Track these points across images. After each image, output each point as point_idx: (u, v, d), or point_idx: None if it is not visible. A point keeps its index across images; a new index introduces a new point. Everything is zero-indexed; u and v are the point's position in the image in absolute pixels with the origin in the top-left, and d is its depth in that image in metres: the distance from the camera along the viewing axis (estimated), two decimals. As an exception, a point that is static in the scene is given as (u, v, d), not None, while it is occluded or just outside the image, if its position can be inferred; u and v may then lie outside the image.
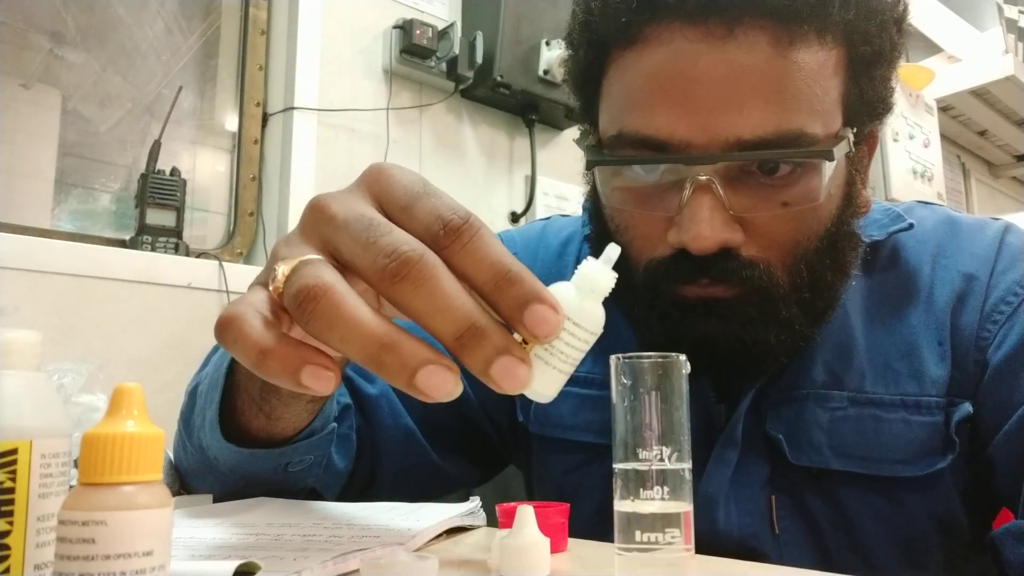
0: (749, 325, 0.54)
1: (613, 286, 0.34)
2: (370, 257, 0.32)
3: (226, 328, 0.33)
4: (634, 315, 0.58)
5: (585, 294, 0.34)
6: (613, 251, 0.35)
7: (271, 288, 0.35)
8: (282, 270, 0.34)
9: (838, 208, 0.56)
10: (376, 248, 0.32)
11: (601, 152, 0.57)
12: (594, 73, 0.58)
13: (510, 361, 0.31)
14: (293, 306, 0.32)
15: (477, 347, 0.31)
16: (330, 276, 0.32)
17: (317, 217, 0.36)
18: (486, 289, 0.32)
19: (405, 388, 0.31)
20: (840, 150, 0.52)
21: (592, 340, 0.34)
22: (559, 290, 0.34)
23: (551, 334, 0.32)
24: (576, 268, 0.34)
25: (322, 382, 0.32)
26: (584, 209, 0.68)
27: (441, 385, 0.31)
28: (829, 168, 0.52)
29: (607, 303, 0.34)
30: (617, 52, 0.55)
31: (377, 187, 0.36)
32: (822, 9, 0.50)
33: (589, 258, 0.34)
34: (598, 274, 0.34)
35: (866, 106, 0.56)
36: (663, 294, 0.54)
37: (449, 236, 0.33)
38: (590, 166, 0.58)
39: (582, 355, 0.34)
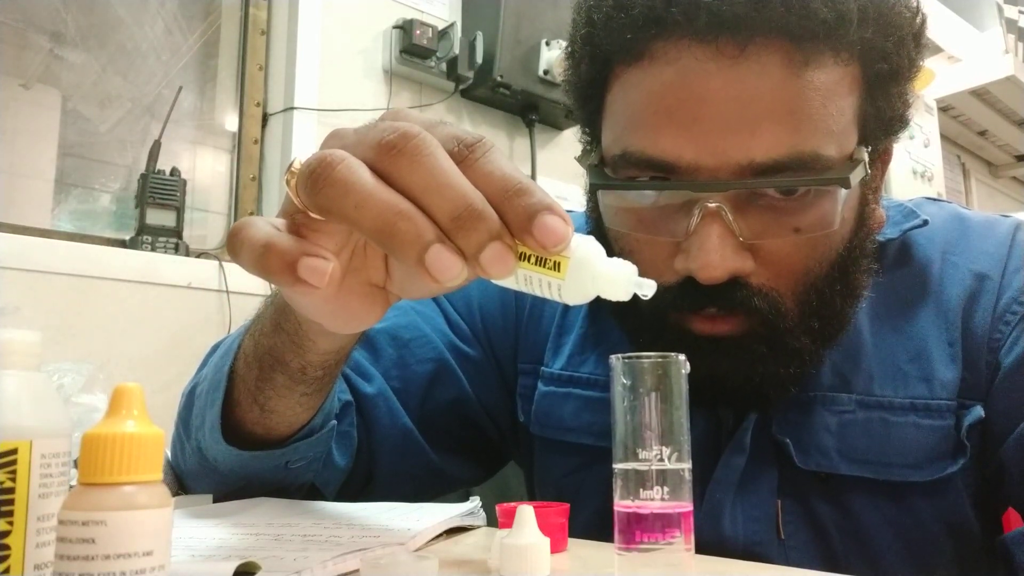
0: (759, 362, 0.52)
1: (614, 301, 0.33)
2: (370, 136, 0.33)
3: (235, 234, 0.35)
4: (639, 342, 0.57)
5: (599, 277, 0.33)
6: (649, 288, 0.34)
7: (286, 177, 0.36)
8: (297, 162, 0.35)
9: (851, 231, 0.54)
10: (376, 129, 0.33)
11: (604, 171, 0.55)
12: (597, 88, 0.56)
13: (502, 247, 0.32)
14: (306, 180, 0.33)
15: (473, 229, 0.31)
16: (344, 152, 0.33)
17: (331, 137, 0.37)
18: (496, 200, 0.32)
19: (413, 263, 0.31)
20: (856, 175, 0.50)
21: (556, 299, 0.34)
22: (589, 243, 0.33)
23: (560, 243, 0.32)
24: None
25: (317, 274, 0.33)
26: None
27: (450, 267, 0.31)
28: (844, 193, 0.50)
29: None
30: (621, 68, 0.53)
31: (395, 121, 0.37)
32: (839, 28, 0.48)
33: (634, 267, 0.33)
34: (623, 280, 0.33)
35: (882, 124, 0.54)
36: (670, 327, 0.53)
37: (463, 152, 0.33)
38: (594, 189, 0.55)
39: (538, 293, 0.34)
